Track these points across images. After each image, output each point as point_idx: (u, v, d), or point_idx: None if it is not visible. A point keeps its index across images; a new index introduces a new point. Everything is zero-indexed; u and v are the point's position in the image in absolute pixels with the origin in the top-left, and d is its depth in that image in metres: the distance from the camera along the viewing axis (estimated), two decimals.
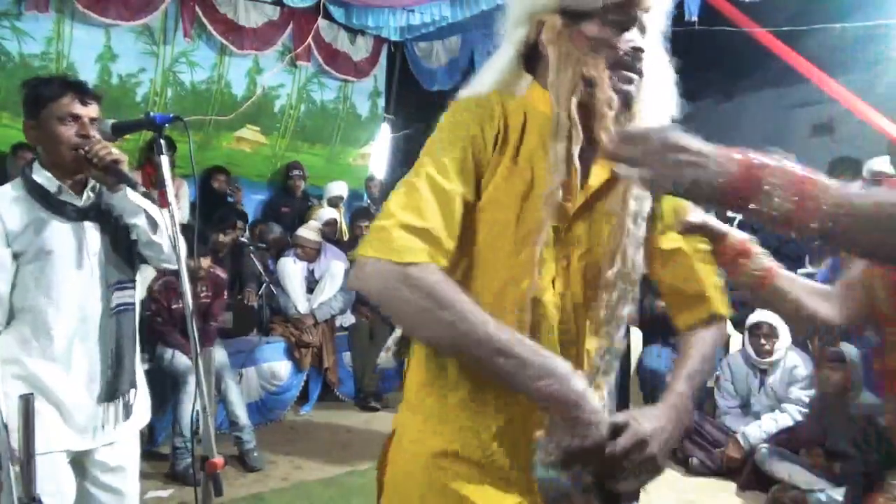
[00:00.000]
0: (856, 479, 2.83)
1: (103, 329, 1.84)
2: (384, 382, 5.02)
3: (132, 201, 1.86)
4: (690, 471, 3.63)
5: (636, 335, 4.18)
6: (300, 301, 4.67)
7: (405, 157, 6.78)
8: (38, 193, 1.78)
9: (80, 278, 1.81)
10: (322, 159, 6.43)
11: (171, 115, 1.76)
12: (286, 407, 4.54)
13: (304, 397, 4.66)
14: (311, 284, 4.76)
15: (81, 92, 1.82)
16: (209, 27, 5.18)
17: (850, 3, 4.46)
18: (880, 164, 4.21)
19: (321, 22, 5.84)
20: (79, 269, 1.81)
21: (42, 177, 1.80)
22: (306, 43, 5.79)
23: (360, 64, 6.39)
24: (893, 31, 4.22)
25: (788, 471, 3.22)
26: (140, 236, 1.89)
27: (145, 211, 1.88)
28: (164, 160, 1.73)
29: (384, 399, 4.84)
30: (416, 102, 6.76)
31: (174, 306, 3.68)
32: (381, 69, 6.63)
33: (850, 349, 3.26)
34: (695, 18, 4.99)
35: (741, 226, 4.71)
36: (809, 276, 4.12)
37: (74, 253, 1.81)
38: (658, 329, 4.15)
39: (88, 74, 4.74)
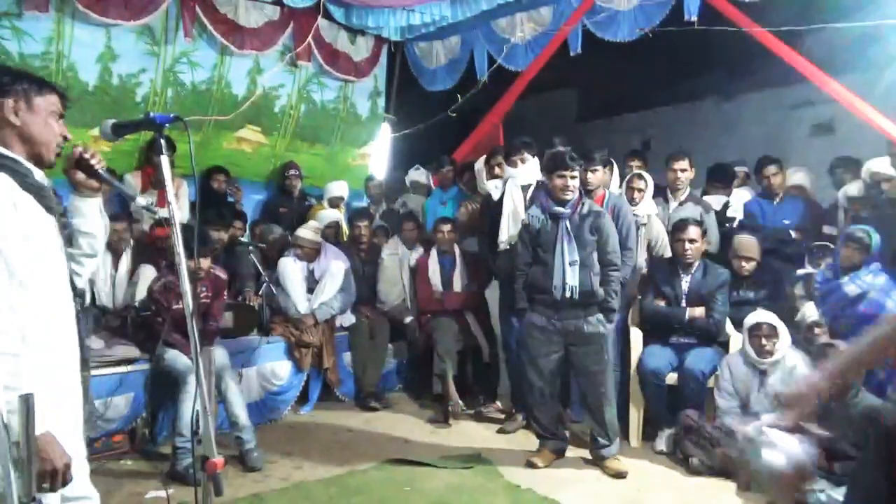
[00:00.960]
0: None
1: (79, 330, 1.78)
2: (384, 382, 5.03)
3: (97, 213, 1.82)
4: (690, 471, 3.63)
5: (636, 335, 4.18)
6: (300, 301, 4.67)
7: (405, 158, 6.78)
8: (13, 169, 1.62)
9: (59, 273, 1.73)
10: (322, 159, 6.43)
11: (172, 115, 1.76)
12: (286, 407, 4.55)
13: (304, 397, 4.66)
14: (311, 284, 4.76)
15: (65, 98, 1.80)
16: (210, 27, 5.18)
17: (850, 3, 4.46)
18: (880, 164, 4.20)
19: (321, 22, 5.85)
20: (56, 262, 1.72)
21: (16, 154, 1.66)
22: (306, 43, 5.79)
23: (361, 64, 6.40)
24: (894, 31, 4.22)
25: None
26: (80, 246, 1.81)
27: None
28: (164, 160, 1.74)
29: (384, 399, 4.84)
30: (416, 102, 6.78)
31: (174, 306, 3.68)
32: (381, 69, 6.64)
33: None
34: (694, 18, 5.00)
35: (741, 226, 4.74)
36: (808, 276, 4.13)
37: (51, 243, 1.70)
38: (658, 329, 4.15)
39: (89, 74, 4.75)
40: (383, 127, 6.67)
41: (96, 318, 3.98)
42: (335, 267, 4.78)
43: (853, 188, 4.41)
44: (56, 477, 1.55)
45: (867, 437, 2.90)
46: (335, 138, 6.45)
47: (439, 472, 3.60)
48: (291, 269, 4.71)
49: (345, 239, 5.53)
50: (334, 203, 5.89)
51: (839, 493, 2.98)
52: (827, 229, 4.55)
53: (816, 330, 3.78)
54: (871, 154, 4.34)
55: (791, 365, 3.59)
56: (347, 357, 4.91)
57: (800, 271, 4.24)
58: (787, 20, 4.73)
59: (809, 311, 3.89)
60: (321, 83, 6.20)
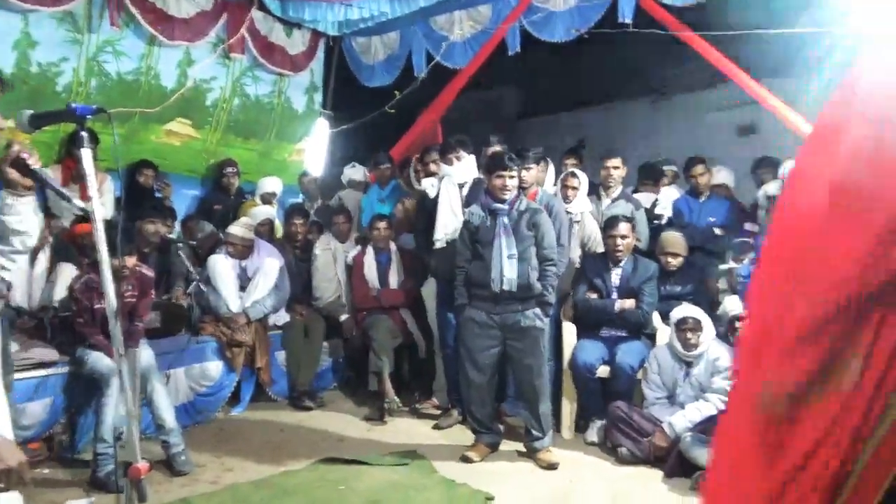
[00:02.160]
0: None
1: (2, 330, 1.73)
2: (319, 381, 4.97)
3: (32, 211, 1.77)
4: (620, 460, 3.73)
5: (569, 329, 4.27)
6: (232, 299, 4.56)
7: (344, 154, 6.71)
8: None
9: None
10: (256, 154, 6.30)
11: (95, 107, 1.70)
12: (217, 408, 4.44)
13: (235, 398, 4.56)
14: (244, 282, 4.66)
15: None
16: (137, 16, 4.99)
17: (778, 11, 4.67)
18: None
19: (256, 14, 5.73)
20: None
21: None
22: (240, 34, 5.67)
23: (297, 58, 6.31)
24: (817, 38, 4.43)
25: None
26: (12, 244, 1.77)
27: None
28: (87, 153, 1.68)
29: (319, 398, 4.78)
30: (354, 98, 6.72)
31: (97, 306, 3.54)
32: (318, 63, 6.56)
33: None
34: (628, 21, 5.14)
35: (669, 223, 4.89)
36: (730, 270, 4.32)
37: None
38: (590, 322, 4.26)
39: (5, 62, 4.49)
40: (320, 122, 6.58)
41: (10, 319, 3.77)
42: (268, 264, 4.69)
43: (772, 187, 4.63)
44: (10, 476, 1.50)
45: None
46: (270, 133, 6.34)
47: (374, 470, 3.58)
48: (223, 266, 4.59)
49: (279, 236, 5.43)
50: (267, 199, 5.77)
51: None
52: (748, 226, 4.76)
53: (738, 323, 3.95)
54: (792, 155, 4.56)
55: (714, 357, 3.74)
56: (281, 356, 4.83)
57: (722, 266, 4.43)
58: (718, 25, 4.92)
59: (732, 305, 4.06)
60: (255, 76, 6.08)
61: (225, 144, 6.03)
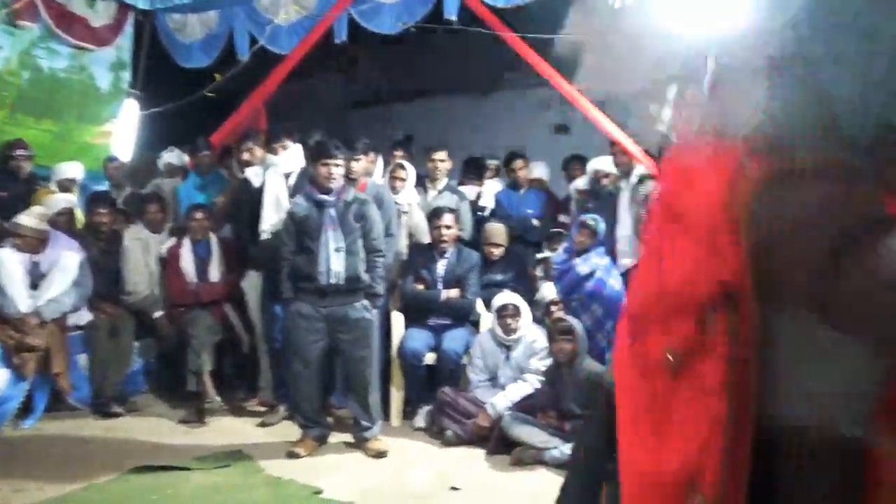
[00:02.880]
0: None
1: None
2: (128, 384, 4.57)
3: None
4: (446, 443, 3.84)
5: (398, 319, 4.31)
6: (20, 298, 4.02)
7: (159, 138, 6.20)
8: None
9: None
10: (51, 136, 5.60)
11: None
12: (3, 422, 3.89)
13: (27, 409, 4.04)
14: (36, 279, 4.13)
15: None
16: None
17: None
18: (602, 163, 4.80)
19: None
20: None
21: None
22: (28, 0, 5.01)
23: (100, 31, 5.74)
24: None
25: (528, 433, 3.57)
26: None
27: None
28: None
29: (128, 402, 4.39)
30: (169, 79, 6.24)
31: None
32: (126, 39, 6.00)
33: (576, 323, 3.70)
34: (453, 18, 5.27)
35: (492, 214, 5.10)
36: (546, 259, 4.61)
37: None
38: (417, 311, 4.33)
39: None
40: (128, 103, 6.03)
41: None
42: (66, 258, 4.20)
43: (581, 182, 5.01)
44: None
45: (592, 398, 3.33)
46: (68, 113, 5.69)
47: (194, 475, 3.36)
48: (8, 261, 4.03)
49: (78, 226, 4.89)
50: (66, 186, 5.15)
51: (569, 448, 3.38)
52: (562, 218, 5.12)
53: (553, 308, 4.23)
54: (600, 152, 4.95)
55: (531, 340, 3.98)
56: (83, 359, 4.36)
57: (539, 255, 4.72)
58: (539, 28, 5.19)
59: (547, 291, 4.34)
60: (50, 49, 5.42)
61: (12, 124, 5.30)
